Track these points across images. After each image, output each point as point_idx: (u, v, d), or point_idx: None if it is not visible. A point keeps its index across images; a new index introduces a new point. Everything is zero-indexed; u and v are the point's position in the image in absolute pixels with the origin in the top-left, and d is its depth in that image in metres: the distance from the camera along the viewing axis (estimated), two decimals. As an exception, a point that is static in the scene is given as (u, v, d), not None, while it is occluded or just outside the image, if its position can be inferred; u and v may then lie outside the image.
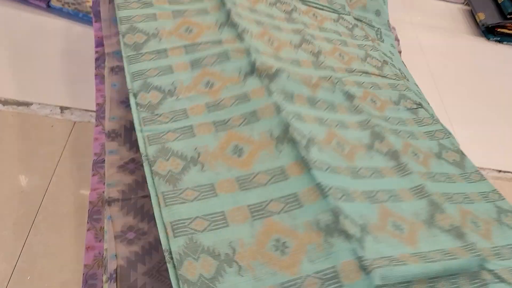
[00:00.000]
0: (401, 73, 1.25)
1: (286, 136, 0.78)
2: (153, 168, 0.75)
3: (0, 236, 1.04)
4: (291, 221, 0.69)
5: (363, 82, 1.05)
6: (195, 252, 0.64)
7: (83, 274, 1.02)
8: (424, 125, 1.02)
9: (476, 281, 0.68)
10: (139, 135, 0.80)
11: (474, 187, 0.90)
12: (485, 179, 0.93)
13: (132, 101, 0.87)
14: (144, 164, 0.77)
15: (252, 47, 0.93)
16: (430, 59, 1.86)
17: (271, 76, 0.89)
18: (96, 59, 1.38)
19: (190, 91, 0.88)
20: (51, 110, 1.28)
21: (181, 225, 0.67)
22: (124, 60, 0.94)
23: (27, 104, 1.27)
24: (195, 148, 0.78)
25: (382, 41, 1.39)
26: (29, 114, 1.26)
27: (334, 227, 0.67)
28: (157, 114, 0.84)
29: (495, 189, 0.91)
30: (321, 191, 0.70)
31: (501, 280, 0.69)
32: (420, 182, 0.82)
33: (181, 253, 0.64)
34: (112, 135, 1.22)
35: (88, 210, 1.11)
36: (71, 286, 1.00)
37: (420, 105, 1.08)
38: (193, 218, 0.68)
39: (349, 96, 0.97)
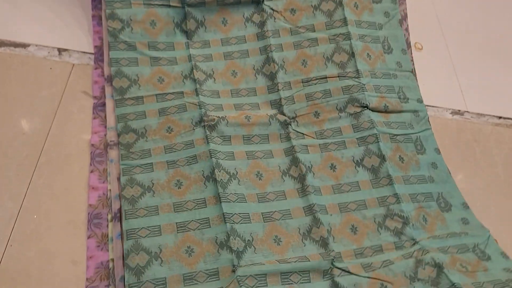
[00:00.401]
0: (385, 45, 1.36)
1: (212, 176, 1.07)
2: (122, 192, 1.05)
3: (4, 177, 1.06)
4: (201, 235, 1.01)
5: (315, 92, 1.26)
6: (137, 250, 0.97)
7: (88, 213, 1.05)
8: (360, 131, 1.22)
9: (326, 276, 1.00)
10: (120, 167, 1.10)
11: (377, 192, 1.14)
12: (392, 183, 1.14)
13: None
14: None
15: (204, 102, 1.19)
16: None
17: (212, 126, 1.15)
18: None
19: (155, 134, 1.15)
20: (49, 52, 1.25)
21: (132, 232, 1.00)
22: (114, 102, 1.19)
23: (24, 46, 1.25)
24: (151, 180, 1.08)
25: (380, 1, 1.39)
26: (26, 56, 1.24)
27: (225, 244, 0.99)
28: (131, 152, 1.12)
29: (397, 193, 1.13)
30: (224, 218, 1.01)
31: (349, 273, 1.00)
32: (313, 201, 1.09)
33: (129, 250, 0.97)
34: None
35: (91, 152, 1.13)
36: (77, 224, 1.03)
37: (365, 107, 1.25)
38: (140, 228, 1.01)
39: (284, 125, 1.21)
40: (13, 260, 0.97)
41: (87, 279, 0.97)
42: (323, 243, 1.04)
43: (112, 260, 0.98)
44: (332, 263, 1.01)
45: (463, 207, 1.18)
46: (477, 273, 1.04)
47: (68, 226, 1.03)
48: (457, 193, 1.20)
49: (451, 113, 1.45)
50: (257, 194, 1.09)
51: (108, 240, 1.02)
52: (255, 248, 1.01)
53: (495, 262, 1.08)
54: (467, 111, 1.46)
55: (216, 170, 1.07)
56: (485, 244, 1.11)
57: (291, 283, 0.97)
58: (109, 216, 1.05)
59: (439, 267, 1.01)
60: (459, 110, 1.46)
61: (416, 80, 1.40)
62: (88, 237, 1.02)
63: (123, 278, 0.94)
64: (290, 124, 1.22)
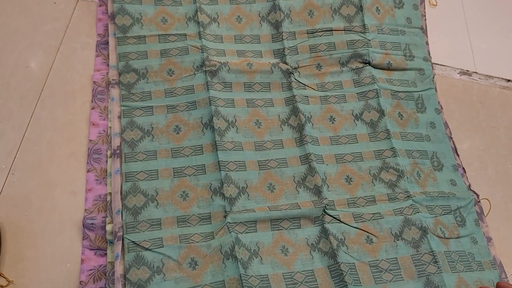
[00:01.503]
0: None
1: (210, 124, 1.08)
2: (122, 135, 1.07)
3: (7, 108, 1.08)
4: (196, 181, 1.04)
5: (319, 44, 1.26)
6: (134, 192, 1.01)
7: (88, 148, 1.07)
8: (361, 86, 1.23)
9: (317, 222, 1.02)
10: (121, 108, 1.11)
11: (374, 146, 1.16)
12: (390, 138, 1.15)
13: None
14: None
15: (206, 46, 1.19)
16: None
17: (213, 72, 1.14)
18: None
19: (156, 76, 1.15)
20: (53, -14, 1.24)
21: (130, 175, 1.03)
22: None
23: (28, -22, 1.23)
24: (151, 124, 1.10)
25: None
26: (30, -11, 1.22)
27: (218, 191, 1.02)
28: (131, 93, 1.12)
29: (394, 147, 1.14)
30: (219, 166, 1.03)
31: (339, 221, 1.03)
32: (310, 151, 1.10)
33: (127, 191, 1.01)
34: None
35: (93, 90, 1.14)
36: (78, 157, 1.06)
37: (367, 63, 1.26)
38: (138, 171, 1.03)
39: (286, 74, 1.21)
40: (15, 188, 1.00)
41: (85, 210, 1.00)
42: (317, 191, 1.06)
43: (110, 194, 1.01)
44: (324, 210, 1.03)
45: (453, 169, 1.19)
46: (450, 240, 1.07)
47: (69, 158, 1.06)
48: (449, 155, 1.20)
49: (459, 73, 1.42)
50: (254, 142, 1.11)
51: (106, 175, 1.04)
52: (248, 195, 1.03)
53: (467, 229, 1.10)
54: (476, 72, 1.43)
55: (214, 118, 1.08)
56: (466, 208, 1.13)
57: (281, 229, 1.01)
58: (109, 153, 1.07)
59: (424, 230, 1.03)
60: (468, 71, 1.43)
61: (426, 37, 1.37)
62: (88, 171, 1.05)
63: (119, 211, 0.97)
64: (293, 73, 1.21)
